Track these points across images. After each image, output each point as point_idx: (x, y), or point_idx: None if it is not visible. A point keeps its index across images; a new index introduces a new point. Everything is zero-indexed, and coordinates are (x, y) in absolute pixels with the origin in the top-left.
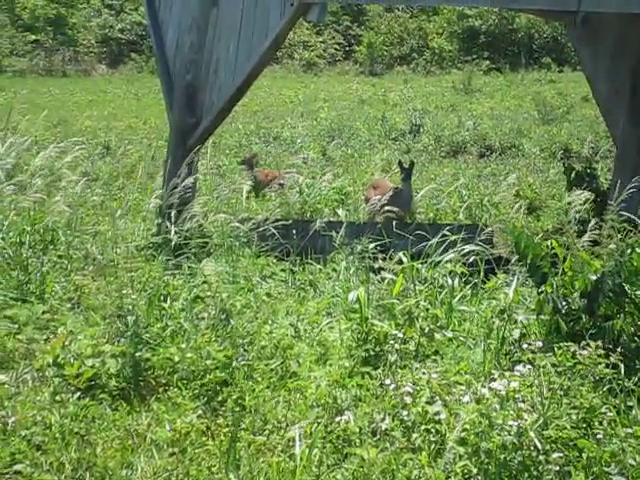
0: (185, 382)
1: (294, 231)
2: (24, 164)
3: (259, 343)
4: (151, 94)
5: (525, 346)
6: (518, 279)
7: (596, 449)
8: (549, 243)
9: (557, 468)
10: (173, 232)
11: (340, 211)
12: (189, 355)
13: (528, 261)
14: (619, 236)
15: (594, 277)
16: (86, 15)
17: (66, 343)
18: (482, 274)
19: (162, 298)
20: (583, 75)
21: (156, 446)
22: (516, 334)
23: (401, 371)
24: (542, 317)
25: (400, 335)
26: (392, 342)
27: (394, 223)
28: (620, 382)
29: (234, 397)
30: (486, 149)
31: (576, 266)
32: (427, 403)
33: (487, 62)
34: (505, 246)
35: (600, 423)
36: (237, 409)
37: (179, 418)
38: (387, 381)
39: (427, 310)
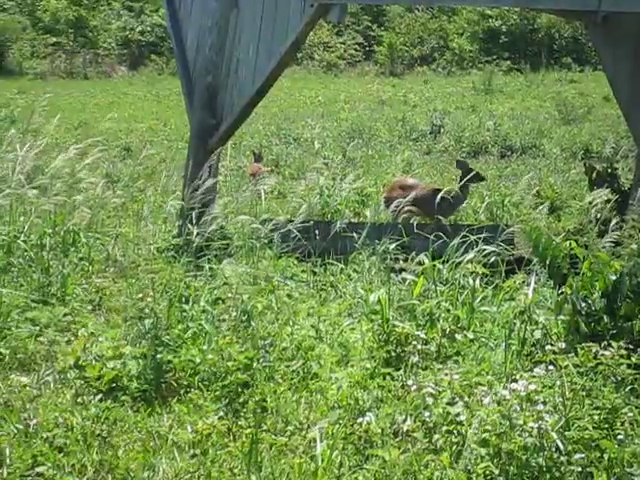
0: (206, 384)
1: (315, 232)
2: (45, 166)
3: (280, 344)
4: (172, 96)
5: (546, 347)
6: (539, 279)
7: (618, 450)
8: (568, 244)
9: (579, 469)
10: (194, 234)
11: (367, 212)
12: (210, 357)
13: (547, 262)
14: None
15: (614, 277)
16: (106, 17)
17: (87, 345)
18: (503, 275)
19: (183, 300)
20: (604, 75)
21: (178, 448)
22: (537, 335)
23: (422, 372)
24: (562, 318)
25: (421, 336)
26: (413, 343)
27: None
28: None
29: (255, 398)
30: (507, 149)
31: (596, 266)
32: (448, 404)
33: (507, 62)
34: (526, 246)
35: (622, 424)
36: (258, 410)
37: (200, 420)
38: (409, 382)
39: (448, 311)
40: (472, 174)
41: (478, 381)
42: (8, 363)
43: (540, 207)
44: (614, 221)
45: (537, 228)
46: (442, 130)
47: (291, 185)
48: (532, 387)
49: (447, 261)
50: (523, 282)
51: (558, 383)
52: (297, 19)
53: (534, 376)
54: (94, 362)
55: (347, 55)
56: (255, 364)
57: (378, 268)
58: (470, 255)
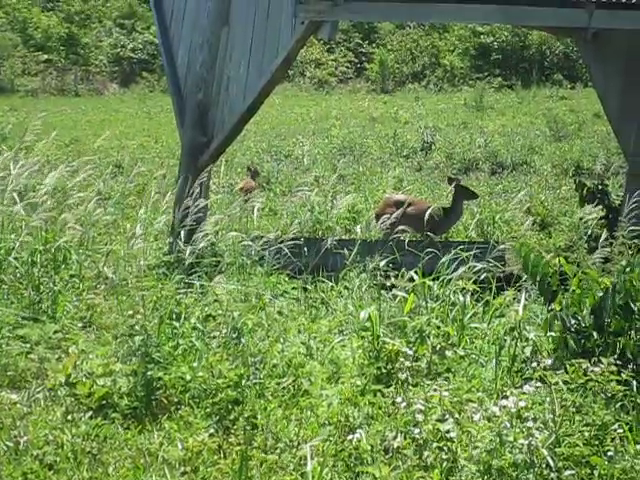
0: (197, 401)
1: (306, 249)
2: (36, 184)
3: (271, 361)
4: (163, 113)
5: (536, 364)
6: (530, 296)
7: (608, 466)
8: (558, 260)
9: None
10: (186, 251)
11: (357, 228)
12: (201, 374)
13: (537, 279)
14: (630, 252)
15: (600, 294)
16: (98, 35)
17: (78, 362)
18: (494, 292)
19: (174, 317)
20: (594, 91)
21: (168, 465)
22: (527, 351)
23: (413, 389)
24: (552, 334)
25: (412, 353)
26: (404, 360)
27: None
28: (632, 399)
29: (246, 415)
30: (498, 166)
31: (585, 283)
32: (439, 421)
33: (499, 79)
34: (517, 263)
35: (612, 440)
36: (249, 427)
37: (191, 437)
38: (399, 399)
39: (439, 328)
40: (464, 191)
41: (468, 398)
42: None
43: (530, 223)
44: (604, 237)
45: (527, 245)
46: (433, 147)
47: (282, 202)
48: (522, 404)
49: (438, 278)
50: (513, 299)
51: (548, 400)
52: (288, 36)
53: (524, 393)
54: (84, 379)
55: (338, 72)
56: (245, 381)
57: (369, 285)
58: (460, 271)
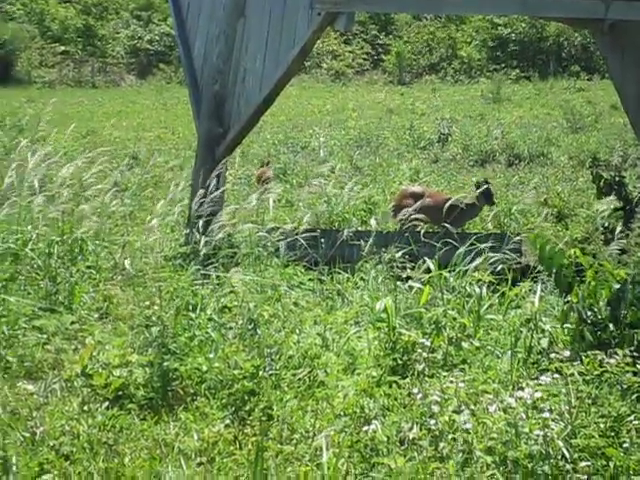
0: (213, 392)
1: (322, 240)
2: (53, 175)
3: (286, 352)
4: (180, 104)
5: (552, 355)
6: (546, 287)
7: (623, 458)
8: (574, 252)
9: (585, 477)
10: (201, 242)
11: (372, 221)
12: (217, 365)
13: (553, 270)
14: None
15: (617, 286)
16: (115, 26)
17: (94, 353)
18: (510, 283)
19: (190, 308)
20: (612, 83)
21: (184, 456)
22: (543, 343)
23: (429, 380)
24: (568, 326)
25: (428, 344)
26: (420, 351)
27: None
28: None
29: (261, 406)
30: (514, 158)
31: (601, 275)
32: (454, 412)
33: (516, 71)
34: (533, 255)
35: (628, 431)
36: (264, 418)
37: (207, 428)
38: (415, 390)
39: (455, 319)
40: (490, 196)
41: (484, 389)
42: (15, 371)
43: (546, 215)
44: (619, 229)
45: (543, 236)
46: (450, 138)
47: (298, 193)
48: (538, 395)
49: (454, 269)
50: (529, 290)
51: (564, 391)
52: (304, 27)
53: (540, 384)
54: (101, 370)
55: (355, 64)
56: (261, 372)
57: (385, 276)
58: (476, 263)
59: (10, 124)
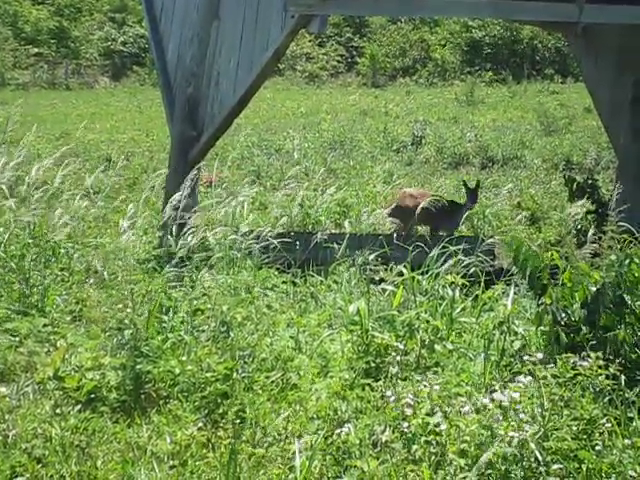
0: (186, 394)
1: (296, 243)
2: (25, 177)
3: (259, 355)
4: (154, 107)
5: (525, 357)
6: (519, 290)
7: (596, 460)
8: (549, 254)
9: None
10: (175, 245)
11: (346, 223)
12: (189, 367)
13: (527, 273)
14: (619, 247)
15: (594, 288)
16: (89, 28)
17: (67, 356)
18: (482, 286)
19: (163, 310)
20: (585, 86)
21: (157, 459)
22: (516, 345)
23: (402, 383)
24: (542, 328)
25: (401, 347)
26: (393, 354)
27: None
28: (620, 393)
29: (234, 409)
30: (488, 160)
31: (576, 277)
32: (427, 415)
33: (490, 73)
34: (507, 257)
35: (600, 434)
36: (237, 421)
37: (180, 430)
38: (388, 393)
39: (428, 322)
40: (476, 196)
41: (457, 392)
42: None
43: (520, 218)
44: (592, 232)
45: (518, 238)
46: (424, 141)
47: (272, 196)
48: (515, 395)
49: (427, 272)
50: (502, 293)
51: (536, 394)
52: (278, 30)
53: (514, 386)
54: (73, 373)
55: (329, 66)
56: (234, 375)
57: (358, 279)
58: (447, 265)
59: None
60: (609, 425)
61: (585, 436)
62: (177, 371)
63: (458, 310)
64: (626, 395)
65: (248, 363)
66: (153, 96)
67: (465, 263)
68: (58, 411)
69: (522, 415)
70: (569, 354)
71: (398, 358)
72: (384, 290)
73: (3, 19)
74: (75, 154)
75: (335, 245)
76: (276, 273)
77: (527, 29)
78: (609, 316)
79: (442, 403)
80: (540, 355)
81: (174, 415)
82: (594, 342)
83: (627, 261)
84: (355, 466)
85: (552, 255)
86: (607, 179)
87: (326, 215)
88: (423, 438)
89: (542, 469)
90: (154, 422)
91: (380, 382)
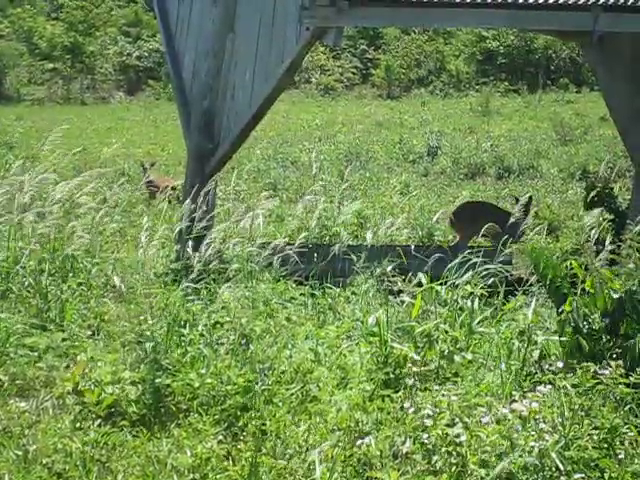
0: (205, 408)
1: (314, 255)
2: (43, 192)
3: (279, 368)
4: (169, 121)
5: (545, 367)
6: (537, 300)
7: (618, 469)
8: (568, 263)
9: None
10: (193, 258)
11: (368, 234)
12: (209, 381)
13: (547, 282)
14: (638, 255)
15: (616, 296)
16: (103, 43)
17: (86, 370)
18: (502, 295)
19: (182, 324)
20: (600, 95)
21: (177, 472)
22: (536, 355)
23: (421, 394)
24: (562, 338)
25: (420, 358)
26: (412, 365)
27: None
28: None
29: (254, 422)
30: (504, 170)
31: (597, 285)
32: (447, 425)
33: (505, 84)
34: (525, 267)
35: (621, 443)
36: (258, 434)
37: (200, 444)
38: (407, 404)
39: (446, 332)
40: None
41: (477, 402)
42: (7, 389)
43: (538, 227)
44: (610, 241)
45: (538, 248)
46: (439, 152)
47: (289, 208)
48: (535, 405)
49: (446, 283)
50: (522, 303)
51: (557, 403)
52: (293, 43)
53: (534, 395)
54: (93, 387)
55: (344, 78)
56: (254, 387)
57: (376, 290)
58: (466, 276)
59: (0, 142)
60: (630, 434)
61: (606, 445)
62: (197, 384)
63: (477, 320)
64: None
65: (268, 376)
66: (168, 110)
67: (484, 273)
68: (78, 426)
69: (542, 425)
70: (589, 363)
71: (417, 369)
72: (402, 301)
73: (18, 35)
74: (93, 170)
75: (353, 256)
76: (294, 285)
77: (541, 39)
78: (630, 324)
79: (462, 414)
80: (560, 364)
81: (194, 428)
82: (615, 351)
83: None
84: (376, 477)
85: (572, 264)
86: (624, 188)
87: (343, 227)
88: (443, 449)
89: (563, 478)
90: (174, 436)
91: (400, 393)
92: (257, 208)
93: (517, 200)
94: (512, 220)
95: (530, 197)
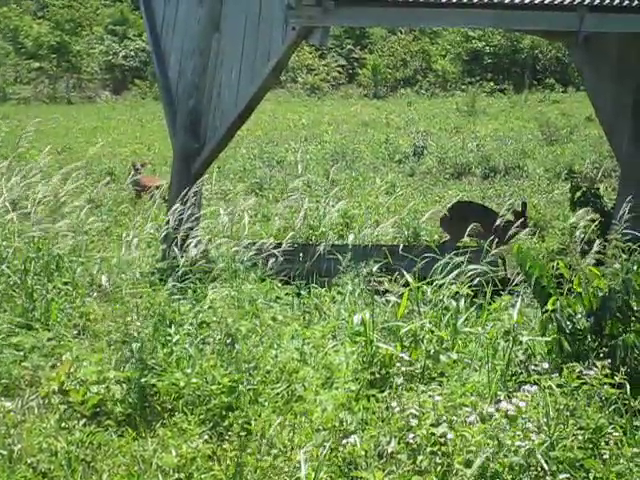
0: (191, 407)
1: (299, 255)
2: (28, 191)
3: (264, 367)
4: (155, 120)
5: (531, 367)
6: (523, 300)
7: (603, 469)
8: (554, 263)
9: None
10: (179, 258)
11: (350, 237)
12: (194, 380)
13: (533, 281)
14: (623, 255)
15: (601, 295)
16: (89, 42)
17: (71, 370)
18: (488, 295)
19: (167, 324)
20: (586, 95)
21: (162, 472)
22: (521, 355)
23: (407, 393)
24: (546, 337)
25: (405, 357)
26: (397, 365)
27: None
28: (626, 402)
29: (240, 422)
30: (490, 170)
31: (584, 284)
32: (433, 425)
33: (491, 83)
34: (510, 267)
35: (607, 443)
36: (243, 433)
37: (185, 443)
38: (393, 404)
39: (432, 332)
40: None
41: (462, 402)
42: None
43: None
44: (597, 241)
45: (524, 248)
46: (425, 152)
47: (274, 207)
48: (522, 404)
49: (431, 282)
50: (508, 303)
51: (542, 403)
52: (279, 42)
53: (520, 395)
54: (78, 387)
55: (330, 78)
56: (239, 387)
57: (362, 290)
58: (451, 276)
59: None
60: (615, 434)
61: (592, 445)
62: (182, 384)
63: (463, 320)
64: (632, 404)
65: (253, 375)
66: (154, 109)
67: (470, 273)
68: (63, 425)
69: (528, 425)
70: (574, 363)
71: (403, 369)
72: (388, 301)
73: (4, 34)
74: (77, 168)
75: (339, 256)
76: (280, 285)
77: (528, 39)
78: (615, 324)
79: (447, 413)
80: (545, 364)
81: (179, 428)
82: (602, 350)
83: (635, 267)
84: (361, 477)
85: (557, 264)
86: (609, 187)
87: (329, 227)
88: (429, 449)
89: (549, 479)
90: (159, 435)
91: (385, 393)
92: (236, 206)
93: (515, 213)
94: (503, 221)
95: (524, 203)
